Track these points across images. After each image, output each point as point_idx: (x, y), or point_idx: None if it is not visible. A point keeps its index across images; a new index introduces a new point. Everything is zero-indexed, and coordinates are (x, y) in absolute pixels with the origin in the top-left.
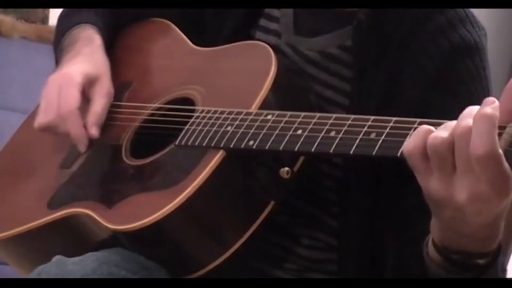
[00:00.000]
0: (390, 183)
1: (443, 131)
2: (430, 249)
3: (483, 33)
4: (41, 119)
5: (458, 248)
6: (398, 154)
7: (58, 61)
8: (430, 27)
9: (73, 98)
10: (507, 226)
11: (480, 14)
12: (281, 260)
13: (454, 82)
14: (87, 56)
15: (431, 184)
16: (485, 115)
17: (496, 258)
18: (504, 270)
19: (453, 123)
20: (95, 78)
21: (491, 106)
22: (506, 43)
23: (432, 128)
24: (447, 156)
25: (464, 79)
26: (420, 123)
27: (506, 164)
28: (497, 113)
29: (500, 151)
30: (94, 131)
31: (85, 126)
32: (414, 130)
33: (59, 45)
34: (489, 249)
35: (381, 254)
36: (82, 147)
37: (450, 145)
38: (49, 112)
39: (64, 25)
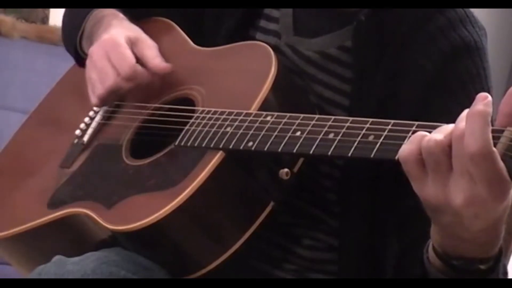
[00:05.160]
0: (390, 184)
1: (438, 133)
2: (431, 255)
3: (483, 33)
4: (99, 90)
5: (459, 253)
6: (396, 157)
7: (81, 45)
8: (430, 28)
9: (128, 55)
10: (507, 228)
11: (480, 14)
12: (282, 260)
13: (454, 83)
14: (119, 24)
15: (427, 190)
16: (477, 113)
17: (497, 262)
18: (505, 273)
19: (448, 126)
20: (135, 39)
21: (483, 102)
22: (506, 43)
23: (427, 134)
24: (442, 159)
25: (463, 79)
26: (418, 126)
27: (501, 164)
28: (489, 110)
29: (494, 149)
30: (166, 65)
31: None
32: (412, 133)
33: (77, 32)
34: (490, 254)
35: (381, 255)
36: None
37: (445, 147)
38: (106, 79)
39: (78, 16)
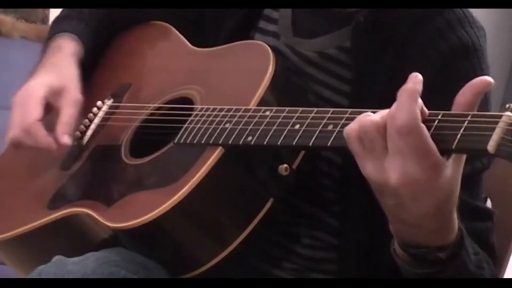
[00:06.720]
0: None
1: (376, 115)
2: (396, 246)
3: (481, 34)
4: (8, 136)
5: (415, 242)
6: None
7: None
8: (428, 29)
9: (34, 111)
10: (506, 228)
11: (480, 14)
12: (281, 259)
13: (452, 84)
14: (52, 67)
15: (368, 168)
16: (405, 89)
17: (458, 251)
18: (480, 267)
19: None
20: (60, 89)
21: (413, 81)
22: (506, 43)
23: (370, 114)
24: (376, 137)
25: (461, 80)
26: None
27: (429, 140)
28: (417, 87)
29: (421, 123)
30: (66, 140)
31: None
32: None
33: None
34: (445, 241)
35: (381, 254)
36: (54, 154)
37: (379, 127)
38: (13, 128)
39: (48, 35)
